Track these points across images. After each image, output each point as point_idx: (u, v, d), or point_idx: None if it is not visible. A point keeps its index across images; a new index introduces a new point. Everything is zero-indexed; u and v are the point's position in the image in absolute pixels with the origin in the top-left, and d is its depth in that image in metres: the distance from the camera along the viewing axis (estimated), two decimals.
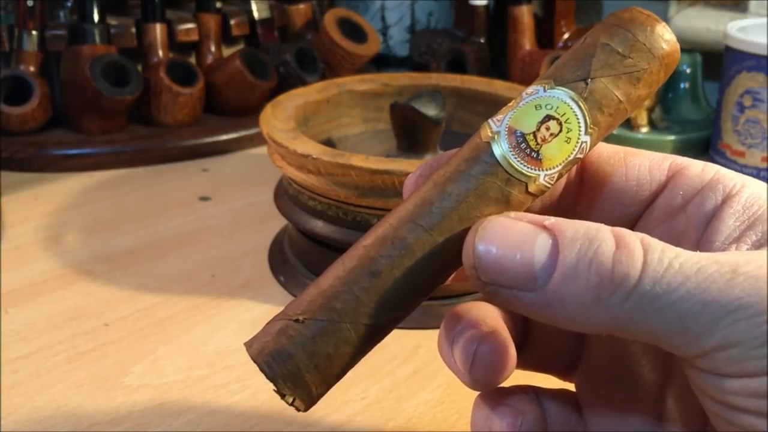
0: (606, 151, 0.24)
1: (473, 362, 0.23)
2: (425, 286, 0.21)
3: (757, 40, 0.54)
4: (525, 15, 0.72)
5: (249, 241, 0.50)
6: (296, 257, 0.46)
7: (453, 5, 0.82)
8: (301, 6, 0.78)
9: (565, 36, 0.75)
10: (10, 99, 0.62)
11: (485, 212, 0.20)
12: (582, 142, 0.21)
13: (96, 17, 0.65)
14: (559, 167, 0.20)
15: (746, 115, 0.56)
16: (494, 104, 0.50)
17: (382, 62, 0.87)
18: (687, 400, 0.23)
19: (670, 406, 0.24)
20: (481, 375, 0.23)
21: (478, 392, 0.25)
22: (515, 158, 0.20)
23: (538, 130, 0.20)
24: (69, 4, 0.68)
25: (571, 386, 0.27)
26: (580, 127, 0.21)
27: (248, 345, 0.21)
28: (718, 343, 0.18)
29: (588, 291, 0.18)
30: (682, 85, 0.66)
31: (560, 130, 0.20)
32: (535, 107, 0.21)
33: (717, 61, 0.62)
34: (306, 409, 0.20)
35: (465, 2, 0.77)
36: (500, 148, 0.20)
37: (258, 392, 0.36)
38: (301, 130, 0.44)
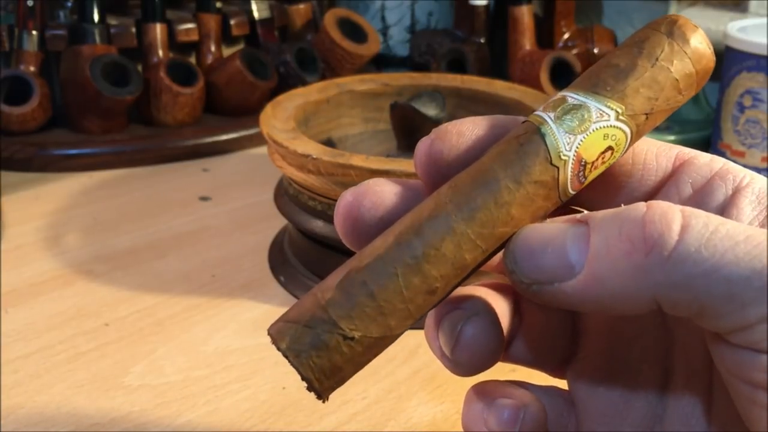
0: None
1: (457, 342, 0.22)
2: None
3: (757, 40, 0.54)
4: (525, 15, 0.72)
5: (249, 241, 0.50)
6: (296, 257, 0.46)
7: (453, 5, 0.82)
8: (301, 6, 0.78)
9: (565, 36, 0.75)
10: (10, 99, 0.62)
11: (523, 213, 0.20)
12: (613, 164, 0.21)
13: (96, 17, 0.65)
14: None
15: (746, 115, 0.56)
16: (494, 104, 0.50)
17: (382, 62, 0.87)
18: (689, 400, 0.23)
19: (670, 406, 0.23)
20: (465, 357, 0.22)
21: (470, 387, 0.25)
22: (570, 184, 0.20)
23: (597, 159, 0.20)
24: (69, 4, 0.68)
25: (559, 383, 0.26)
26: (623, 154, 0.21)
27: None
28: (766, 314, 0.17)
29: (623, 260, 0.18)
30: None
31: (610, 158, 0.20)
32: (603, 137, 0.20)
33: (717, 61, 0.62)
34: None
35: (465, 2, 0.77)
36: (564, 174, 0.20)
37: (258, 392, 0.36)
38: (301, 130, 0.44)
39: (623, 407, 0.24)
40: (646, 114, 0.20)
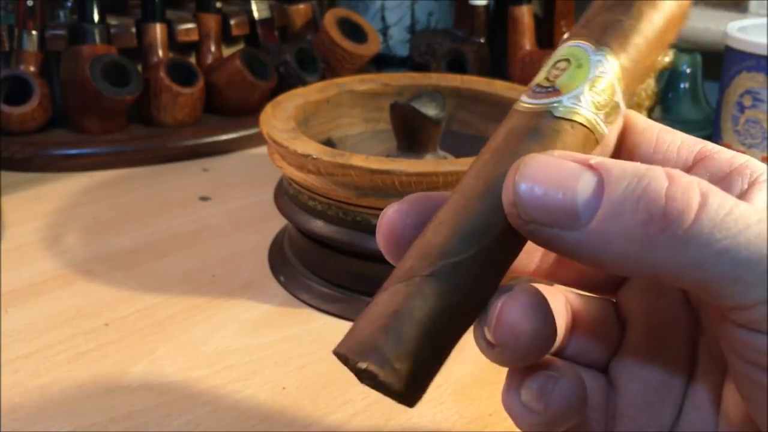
0: (641, 123, 0.24)
1: (498, 321, 0.20)
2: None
3: (757, 40, 0.54)
4: (525, 15, 0.72)
5: (249, 241, 0.50)
6: (296, 257, 0.46)
7: (453, 5, 0.82)
8: (301, 6, 0.78)
9: (565, 36, 0.75)
10: (10, 99, 0.62)
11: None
12: (596, 61, 0.21)
13: (96, 17, 0.65)
14: (580, 88, 0.20)
15: (746, 115, 0.56)
16: (494, 104, 0.50)
17: (382, 62, 0.87)
18: (704, 393, 0.23)
19: (689, 396, 0.23)
20: (508, 337, 0.20)
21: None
22: (532, 99, 0.21)
23: (549, 73, 0.21)
24: (69, 4, 0.68)
25: None
26: (587, 51, 0.21)
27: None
28: None
29: (636, 228, 0.17)
30: (682, 85, 0.66)
31: (569, 64, 0.21)
32: (547, 64, 0.22)
33: (717, 61, 0.62)
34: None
35: (465, 2, 0.77)
36: (521, 102, 0.21)
37: (258, 392, 0.36)
38: (301, 130, 0.44)
39: (662, 393, 0.24)
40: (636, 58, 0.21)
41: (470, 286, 0.19)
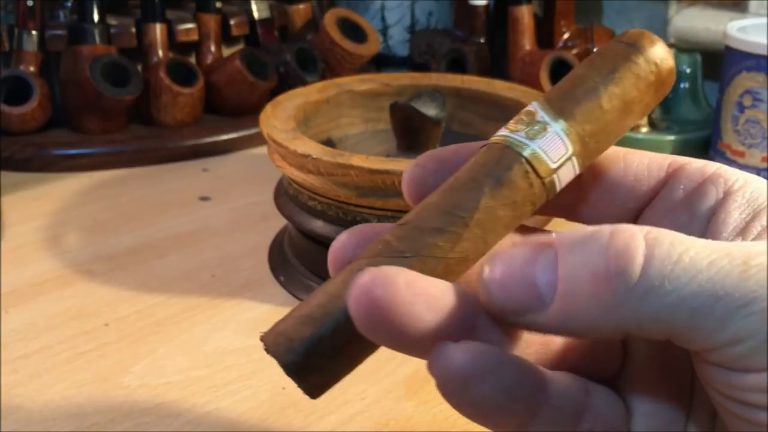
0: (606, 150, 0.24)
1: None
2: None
3: (757, 40, 0.54)
4: (525, 15, 0.72)
5: (249, 241, 0.50)
6: (296, 257, 0.46)
7: (453, 5, 0.82)
8: (301, 6, 0.78)
9: (565, 36, 0.75)
10: (10, 99, 0.62)
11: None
12: (546, 123, 0.21)
13: (96, 17, 0.65)
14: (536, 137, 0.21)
15: (746, 115, 0.56)
16: (494, 104, 0.50)
17: (382, 62, 0.87)
18: (699, 419, 0.23)
19: (689, 420, 0.23)
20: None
21: None
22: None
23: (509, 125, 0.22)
24: (69, 4, 0.68)
25: None
26: (539, 110, 0.21)
27: None
28: (731, 338, 0.17)
29: (589, 295, 0.18)
30: (682, 85, 0.66)
31: (526, 118, 0.22)
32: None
33: (717, 61, 0.62)
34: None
35: (465, 2, 0.77)
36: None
37: (258, 392, 0.36)
38: (301, 130, 0.44)
39: (672, 414, 0.23)
40: (595, 136, 0.21)
41: None
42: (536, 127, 0.21)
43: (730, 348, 0.17)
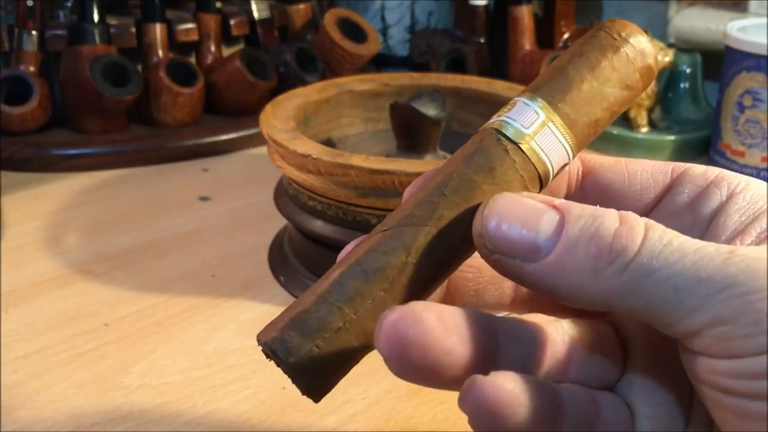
0: (607, 161, 0.24)
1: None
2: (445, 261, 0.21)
3: (757, 40, 0.54)
4: (525, 15, 0.72)
5: (249, 241, 0.50)
6: (296, 257, 0.46)
7: (453, 5, 0.82)
8: (301, 6, 0.78)
9: (565, 36, 0.75)
10: (10, 99, 0.62)
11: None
12: (528, 107, 0.22)
13: (96, 17, 0.65)
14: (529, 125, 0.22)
15: (746, 115, 0.56)
16: (494, 104, 0.50)
17: (382, 62, 0.87)
18: (699, 419, 0.23)
19: (690, 421, 0.24)
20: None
21: None
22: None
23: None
24: (69, 4, 0.68)
25: None
26: (524, 101, 0.22)
27: None
28: (711, 319, 0.18)
29: (587, 261, 0.19)
30: (682, 85, 0.66)
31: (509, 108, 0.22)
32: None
33: (717, 61, 0.62)
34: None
35: (465, 2, 0.77)
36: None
37: (258, 392, 0.36)
38: (301, 130, 0.44)
39: (674, 410, 0.24)
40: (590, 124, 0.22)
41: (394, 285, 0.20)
42: (506, 107, 0.22)
43: (711, 330, 0.18)
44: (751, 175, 0.56)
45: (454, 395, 0.27)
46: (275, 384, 0.37)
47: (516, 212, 0.20)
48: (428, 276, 0.21)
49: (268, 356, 0.20)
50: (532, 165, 0.21)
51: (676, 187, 0.23)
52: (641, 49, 0.22)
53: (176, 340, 0.40)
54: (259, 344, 0.20)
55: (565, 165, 0.22)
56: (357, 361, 0.21)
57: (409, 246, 0.20)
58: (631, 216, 0.19)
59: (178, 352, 0.39)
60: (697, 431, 0.23)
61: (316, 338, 0.20)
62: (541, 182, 0.22)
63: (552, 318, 0.25)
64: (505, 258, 0.20)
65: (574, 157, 0.22)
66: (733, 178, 0.22)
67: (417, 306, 0.19)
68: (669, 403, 0.24)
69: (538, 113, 0.21)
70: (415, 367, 0.19)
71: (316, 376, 0.20)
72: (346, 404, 0.35)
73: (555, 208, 0.20)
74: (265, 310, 0.43)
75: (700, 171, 0.23)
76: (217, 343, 0.40)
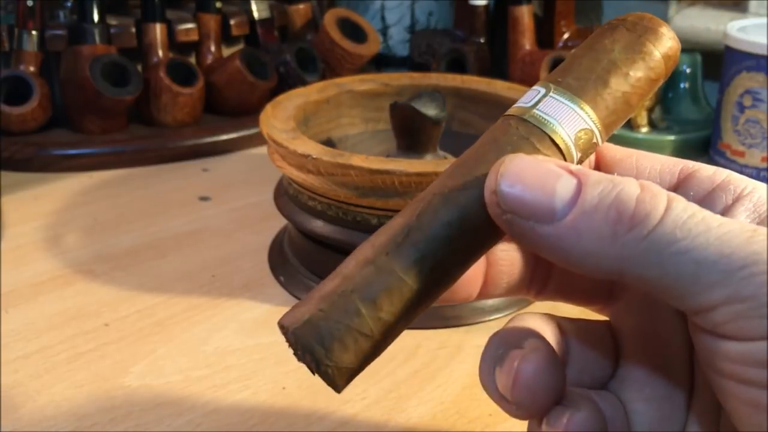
0: (618, 154, 0.24)
1: (515, 382, 0.21)
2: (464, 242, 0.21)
3: (757, 40, 0.54)
4: (525, 15, 0.72)
5: (249, 241, 0.50)
6: (296, 257, 0.46)
7: (453, 5, 0.82)
8: (301, 6, 0.78)
9: (565, 36, 0.75)
10: (10, 99, 0.62)
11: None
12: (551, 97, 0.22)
13: (96, 17, 0.65)
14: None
15: (746, 115, 0.56)
16: (494, 104, 0.50)
17: (382, 62, 0.87)
18: (702, 411, 0.23)
19: (690, 415, 0.24)
20: (525, 397, 0.21)
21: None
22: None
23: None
24: (69, 4, 0.68)
25: None
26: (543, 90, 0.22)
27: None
28: (728, 296, 0.18)
29: (606, 225, 0.18)
30: (682, 85, 0.66)
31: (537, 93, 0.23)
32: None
33: (717, 61, 0.62)
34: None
35: (465, 2, 0.77)
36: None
37: (258, 392, 0.36)
38: (301, 130, 0.44)
39: (668, 408, 0.24)
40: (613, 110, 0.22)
41: (431, 268, 0.20)
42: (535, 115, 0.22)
43: (727, 307, 0.18)
44: (751, 174, 0.56)
45: (454, 395, 0.27)
46: (275, 384, 0.37)
47: (533, 173, 0.19)
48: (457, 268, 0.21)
49: (290, 344, 0.20)
50: (539, 130, 0.21)
51: (683, 188, 0.23)
52: (661, 33, 0.22)
53: (176, 340, 0.40)
54: (281, 328, 0.20)
55: (588, 132, 0.22)
56: (378, 355, 0.21)
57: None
58: (653, 185, 0.19)
59: (178, 352, 0.39)
60: (698, 431, 0.23)
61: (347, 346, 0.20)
62: (562, 154, 0.21)
63: (548, 316, 0.25)
64: (518, 219, 0.19)
65: (596, 126, 0.22)
66: (739, 182, 0.22)
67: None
68: (662, 398, 0.24)
69: (539, 90, 0.22)
70: None
71: (342, 375, 0.21)
72: (346, 404, 0.35)
73: (572, 173, 0.19)
74: (265, 310, 0.43)
75: (707, 174, 0.23)
76: (217, 343, 0.40)
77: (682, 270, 0.18)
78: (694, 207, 0.19)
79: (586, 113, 0.21)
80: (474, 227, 0.20)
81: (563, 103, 0.21)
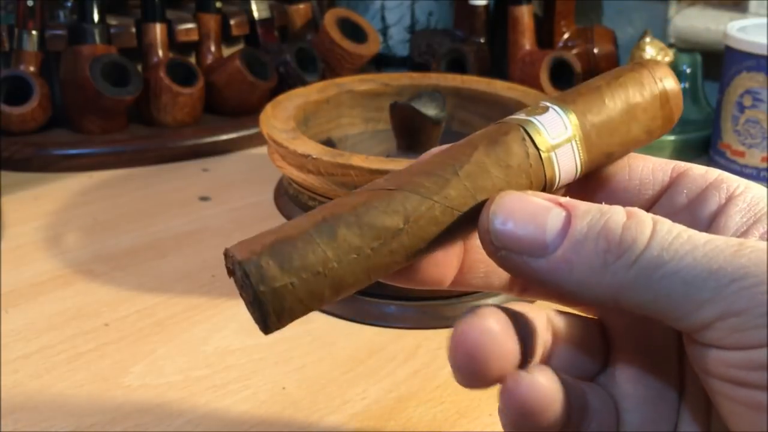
0: None
1: (452, 341, 0.20)
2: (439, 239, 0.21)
3: (757, 40, 0.54)
4: (525, 15, 0.72)
5: None
6: None
7: (453, 5, 0.82)
8: (301, 6, 0.78)
9: (565, 36, 0.75)
10: (10, 99, 0.62)
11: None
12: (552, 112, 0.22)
13: (96, 17, 0.65)
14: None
15: (746, 115, 0.56)
16: (494, 104, 0.50)
17: (382, 62, 0.87)
18: (693, 414, 0.23)
19: (681, 417, 0.24)
20: (462, 360, 0.20)
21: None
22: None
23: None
24: (69, 4, 0.68)
25: None
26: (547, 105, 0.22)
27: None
28: (722, 312, 0.18)
29: (596, 256, 0.19)
30: (682, 85, 0.66)
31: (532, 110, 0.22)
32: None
33: (717, 61, 0.62)
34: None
35: (465, 2, 0.77)
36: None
37: (258, 392, 0.36)
38: (301, 130, 0.44)
39: (659, 406, 0.24)
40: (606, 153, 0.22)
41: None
42: (538, 109, 0.22)
43: (723, 322, 0.18)
44: (751, 175, 0.56)
45: (454, 395, 0.27)
46: (275, 384, 0.37)
47: (523, 209, 0.20)
48: (418, 248, 0.20)
49: (231, 273, 0.20)
50: (543, 174, 0.21)
51: (675, 186, 0.23)
52: (674, 97, 0.23)
53: (176, 340, 0.40)
54: (226, 257, 0.20)
55: (568, 185, 0.22)
56: (319, 308, 0.20)
57: (409, 214, 0.20)
58: (639, 211, 0.19)
59: (178, 352, 0.39)
60: (689, 430, 0.23)
61: (293, 275, 0.19)
62: (544, 191, 0.22)
63: (537, 307, 0.25)
64: (512, 254, 0.20)
65: (576, 177, 0.22)
66: (732, 181, 0.22)
67: (486, 310, 0.20)
68: (653, 398, 0.24)
69: (566, 127, 0.21)
70: (478, 376, 0.20)
71: (278, 311, 0.19)
72: (346, 404, 0.35)
73: (561, 205, 0.20)
74: None
75: (700, 172, 0.23)
76: (217, 343, 0.40)
77: (672, 291, 0.18)
78: (678, 227, 0.19)
79: (581, 169, 0.22)
80: (449, 229, 0.21)
81: (574, 158, 0.22)
